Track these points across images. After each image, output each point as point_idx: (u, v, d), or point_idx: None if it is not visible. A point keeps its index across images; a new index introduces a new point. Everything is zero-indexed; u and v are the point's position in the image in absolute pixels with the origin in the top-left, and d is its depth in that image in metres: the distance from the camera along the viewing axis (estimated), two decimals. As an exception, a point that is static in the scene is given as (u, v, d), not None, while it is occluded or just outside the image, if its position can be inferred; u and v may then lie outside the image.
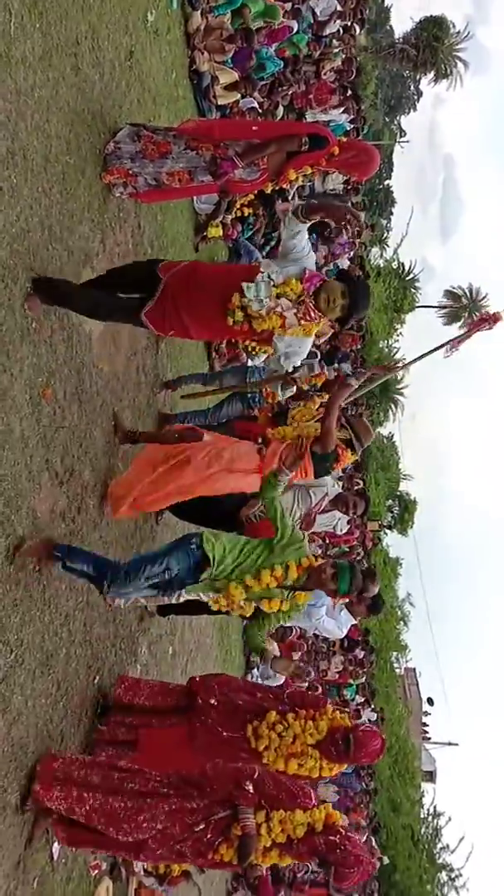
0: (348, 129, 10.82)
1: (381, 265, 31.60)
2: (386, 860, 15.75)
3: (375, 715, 14.94)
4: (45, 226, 3.41)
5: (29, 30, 3.28)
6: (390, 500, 33.17)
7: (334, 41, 10.57)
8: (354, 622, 4.72)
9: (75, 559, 3.35)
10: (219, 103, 7.59)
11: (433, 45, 34.65)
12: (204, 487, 4.03)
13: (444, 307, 37.24)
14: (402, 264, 33.24)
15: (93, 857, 3.70)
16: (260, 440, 4.44)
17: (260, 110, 8.15)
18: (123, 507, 4.03)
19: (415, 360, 5.26)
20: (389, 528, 31.14)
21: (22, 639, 3.04)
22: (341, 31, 10.75)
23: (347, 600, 4.37)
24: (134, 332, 4.81)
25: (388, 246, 34.16)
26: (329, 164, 4.19)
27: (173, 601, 3.57)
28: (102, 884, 3.77)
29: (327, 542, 13.40)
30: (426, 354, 5.08)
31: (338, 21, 10.48)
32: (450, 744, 35.92)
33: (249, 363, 6.52)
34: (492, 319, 4.54)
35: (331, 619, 4.42)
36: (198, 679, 4.04)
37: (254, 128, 4.34)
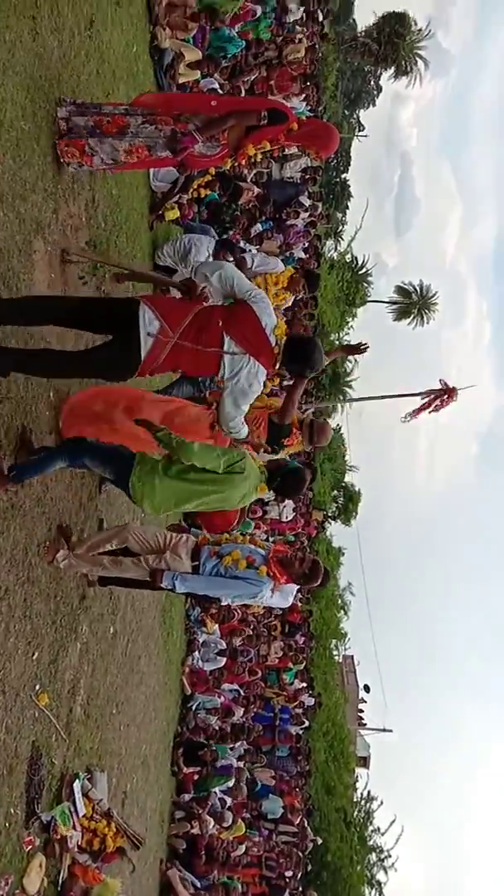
0: (308, 116, 10.83)
1: (335, 258, 31.83)
2: (319, 841, 16.03)
3: (313, 700, 15.19)
4: (-3, 191, 3.33)
5: (-14, -13, 3.19)
6: (335, 491, 33.56)
7: (297, 27, 10.56)
8: (297, 587, 4.78)
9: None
10: (179, 81, 7.50)
11: (394, 41, 34.91)
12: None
13: (395, 303, 37.80)
14: (356, 258, 33.61)
15: (26, 832, 3.68)
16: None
17: (220, 91, 8.10)
18: (67, 413, 4.10)
19: (373, 398, 5.35)
20: (333, 519, 31.52)
21: (-40, 610, 2.99)
22: (304, 17, 10.75)
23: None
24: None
25: (342, 239, 34.45)
26: (288, 139, 4.21)
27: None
28: (35, 859, 3.74)
29: (272, 529, 13.53)
30: (385, 397, 5.19)
31: (301, 8, 10.48)
32: (384, 730, 36.68)
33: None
34: (449, 393, 4.65)
35: (276, 594, 4.46)
36: None
37: (213, 102, 4.32)
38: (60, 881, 4.05)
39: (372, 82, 44.67)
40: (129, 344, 3.28)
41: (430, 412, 5.10)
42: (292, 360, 3.65)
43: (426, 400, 5.13)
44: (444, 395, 4.87)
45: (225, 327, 3.36)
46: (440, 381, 5.18)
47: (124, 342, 3.31)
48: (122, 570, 4.59)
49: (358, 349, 5.38)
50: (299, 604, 14.95)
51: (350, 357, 30.37)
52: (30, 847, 3.70)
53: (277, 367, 3.63)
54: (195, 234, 7.09)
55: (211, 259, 6.48)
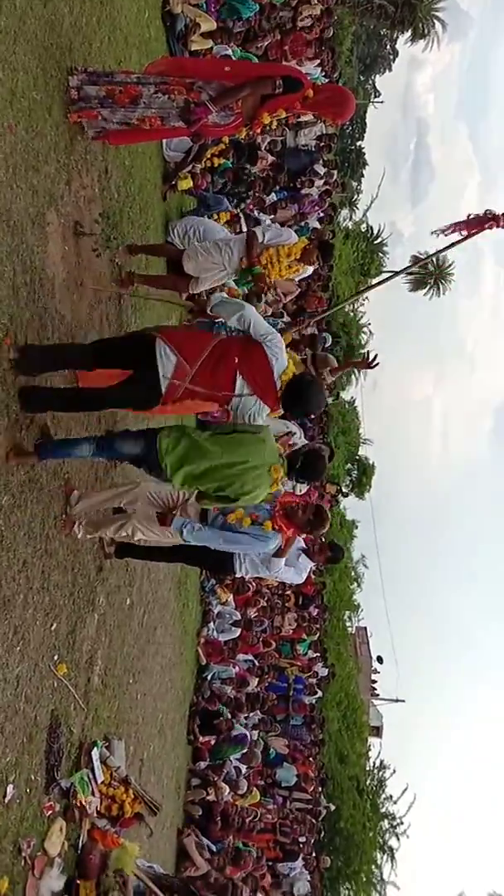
0: (323, 82, 10.60)
1: (350, 227, 31.41)
2: (332, 808, 16.31)
3: (327, 670, 15.33)
4: (10, 163, 3.30)
5: (-5, -48, 3.13)
6: (349, 464, 33.53)
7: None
8: (312, 565, 4.79)
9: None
10: (192, 49, 7.37)
11: (412, 3, 33.89)
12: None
13: (411, 273, 37.27)
14: (371, 228, 33.12)
15: (46, 797, 3.77)
16: None
17: (233, 58, 7.95)
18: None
19: (387, 279, 5.26)
20: (346, 495, 31.50)
21: (-21, 582, 3.03)
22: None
23: (306, 546, 4.48)
24: (99, 282, 4.73)
25: (357, 208, 33.95)
26: (304, 106, 4.15)
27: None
28: (56, 824, 3.83)
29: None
30: (399, 273, 5.07)
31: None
32: (397, 700, 37.05)
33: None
34: (496, 220, 4.37)
35: (289, 568, 4.49)
36: None
37: (226, 68, 4.24)
38: (80, 845, 4.15)
39: (388, 46, 43.58)
40: (150, 383, 3.51)
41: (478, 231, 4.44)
42: (293, 403, 3.79)
43: (467, 221, 4.59)
44: (489, 222, 4.40)
45: (239, 366, 3.58)
46: (486, 211, 4.53)
47: (145, 381, 3.53)
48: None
49: (368, 364, 5.36)
50: (313, 576, 15.02)
51: (364, 334, 30.18)
52: (50, 812, 3.79)
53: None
54: (206, 219, 7.03)
55: (226, 233, 6.43)
